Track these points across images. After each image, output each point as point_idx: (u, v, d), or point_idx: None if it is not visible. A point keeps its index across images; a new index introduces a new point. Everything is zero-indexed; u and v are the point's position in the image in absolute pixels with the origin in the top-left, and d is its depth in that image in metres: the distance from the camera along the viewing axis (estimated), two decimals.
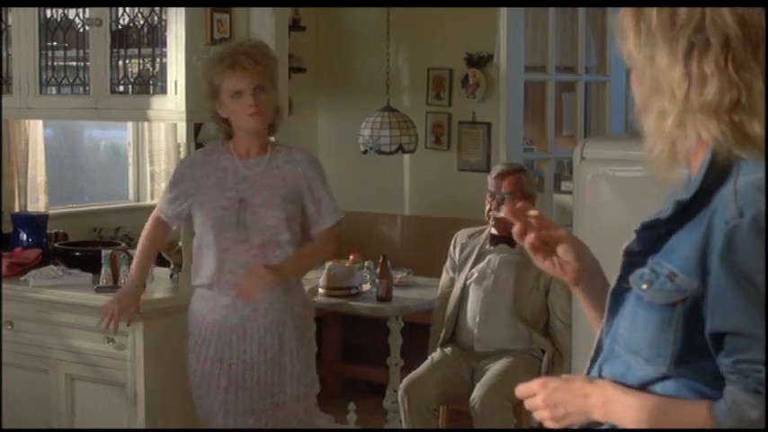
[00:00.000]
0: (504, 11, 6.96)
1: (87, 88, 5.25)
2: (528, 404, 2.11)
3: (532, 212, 2.31)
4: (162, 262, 5.41)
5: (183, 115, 4.96)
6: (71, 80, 5.32)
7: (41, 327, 5.12)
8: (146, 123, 6.97)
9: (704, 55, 1.91)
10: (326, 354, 7.29)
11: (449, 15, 7.44)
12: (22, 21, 5.38)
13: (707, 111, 1.90)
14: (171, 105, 4.99)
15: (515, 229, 2.26)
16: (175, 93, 4.96)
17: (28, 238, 5.64)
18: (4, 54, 5.53)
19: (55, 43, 5.38)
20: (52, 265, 5.30)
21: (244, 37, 5.13)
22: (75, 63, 5.31)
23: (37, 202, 6.43)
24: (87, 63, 5.24)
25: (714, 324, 1.85)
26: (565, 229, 2.32)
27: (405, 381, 5.44)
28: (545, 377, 2.10)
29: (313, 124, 8.25)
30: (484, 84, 7.37)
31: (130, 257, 5.01)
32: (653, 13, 1.95)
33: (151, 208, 6.20)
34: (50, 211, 6.48)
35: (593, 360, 2.11)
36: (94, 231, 6.75)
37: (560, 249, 2.28)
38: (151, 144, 7.11)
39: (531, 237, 2.26)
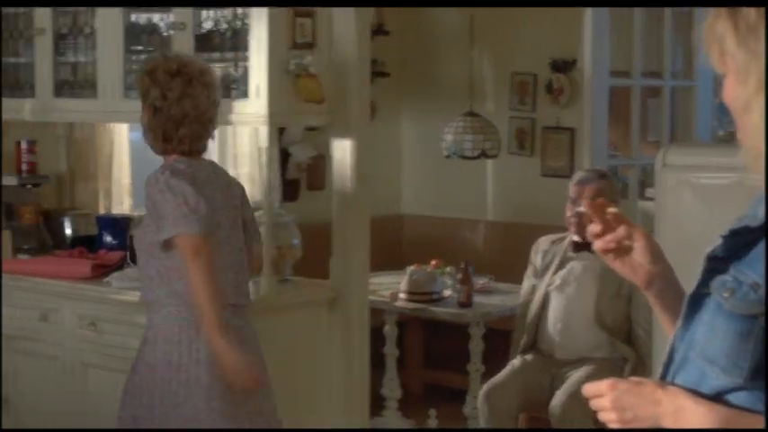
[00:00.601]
0: (588, 15, 6.91)
1: None
2: (594, 404, 2.08)
3: (611, 210, 2.27)
4: None
5: (265, 119, 4.97)
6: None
7: (124, 328, 5.15)
8: (229, 127, 7.01)
9: None
10: (408, 359, 7.29)
11: (533, 19, 7.39)
12: (108, 25, 5.43)
13: None
14: (253, 109, 5.01)
15: (591, 228, 2.23)
16: (257, 96, 4.98)
17: (112, 240, 5.70)
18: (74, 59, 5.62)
19: (139, 47, 5.41)
20: (134, 267, 5.33)
21: (326, 41, 5.14)
22: None
23: (121, 204, 6.49)
24: None
25: None
26: (642, 229, 2.28)
27: (485, 387, 5.41)
28: (615, 378, 2.06)
29: (397, 129, 8.24)
30: (568, 89, 7.31)
31: None
32: (750, 10, 1.89)
33: None
34: (135, 214, 6.56)
35: (667, 365, 2.06)
36: None
37: (635, 250, 2.23)
38: (235, 148, 7.15)
39: (602, 241, 2.22)
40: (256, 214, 4.64)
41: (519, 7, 7.20)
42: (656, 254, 2.24)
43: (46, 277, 5.39)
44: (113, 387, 5.15)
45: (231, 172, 7.15)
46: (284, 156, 7.39)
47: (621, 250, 2.23)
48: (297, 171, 7.51)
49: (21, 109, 5.80)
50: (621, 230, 2.22)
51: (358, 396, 5.29)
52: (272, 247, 5.25)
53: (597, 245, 2.21)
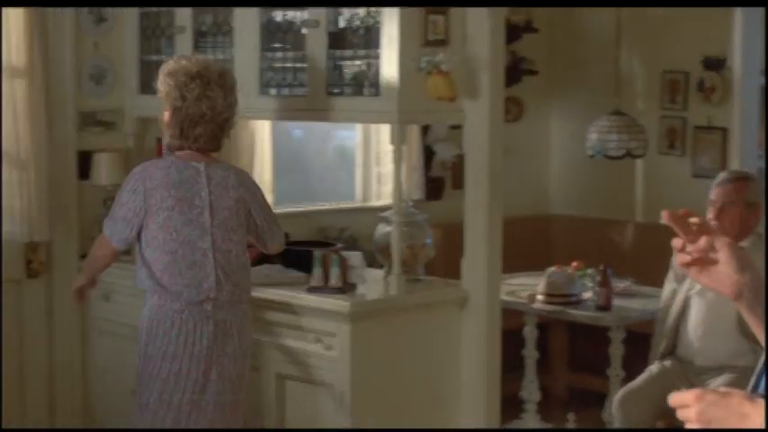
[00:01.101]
0: (738, 14, 6.69)
1: (305, 90, 5.29)
2: (680, 415, 1.97)
3: (693, 219, 2.15)
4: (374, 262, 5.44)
5: (395, 117, 4.93)
6: (290, 81, 5.36)
7: (255, 325, 5.17)
8: (372, 125, 7.00)
9: None
10: (552, 362, 7.17)
11: (684, 17, 7.19)
12: (246, 23, 5.46)
13: None
14: (383, 107, 4.97)
15: (673, 241, 2.12)
16: (388, 94, 4.94)
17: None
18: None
19: (276, 45, 5.43)
20: (267, 265, 5.36)
21: (459, 39, 5.08)
22: (294, 64, 5.35)
23: None
24: (306, 64, 5.27)
25: None
26: (726, 238, 2.15)
27: (620, 392, 5.29)
28: (701, 389, 1.95)
29: (545, 127, 8.12)
30: (720, 88, 7.09)
31: (342, 259, 5.02)
32: None
33: (377, 209, 6.27)
34: (276, 211, 6.59)
35: (759, 376, 1.95)
36: (320, 231, 6.83)
37: (720, 260, 2.12)
38: (378, 145, 7.14)
39: (683, 254, 2.11)
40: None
41: (667, 7, 7.02)
42: (742, 263, 2.11)
43: None
44: (252, 382, 5.21)
45: (374, 170, 7.18)
46: (428, 154, 7.35)
47: (706, 262, 2.12)
48: (441, 169, 7.46)
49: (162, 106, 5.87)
50: (702, 242, 2.10)
51: (488, 398, 5.21)
52: (404, 247, 5.21)
53: (679, 259, 2.10)
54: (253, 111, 5.52)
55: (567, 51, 7.97)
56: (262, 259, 5.48)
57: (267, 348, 5.13)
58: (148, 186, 4.47)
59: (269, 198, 6.50)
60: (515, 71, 7.56)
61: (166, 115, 4.56)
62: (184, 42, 5.76)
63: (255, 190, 4.72)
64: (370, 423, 4.89)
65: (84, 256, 5.91)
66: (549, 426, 6.48)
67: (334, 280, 5.00)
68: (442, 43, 5.02)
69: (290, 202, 6.97)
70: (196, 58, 4.74)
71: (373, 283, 5.20)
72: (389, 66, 4.93)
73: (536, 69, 7.79)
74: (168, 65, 4.59)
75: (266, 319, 5.12)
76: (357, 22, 5.09)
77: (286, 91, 5.40)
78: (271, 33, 5.43)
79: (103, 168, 5.88)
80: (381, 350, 4.95)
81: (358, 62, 5.12)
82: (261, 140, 6.49)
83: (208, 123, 4.51)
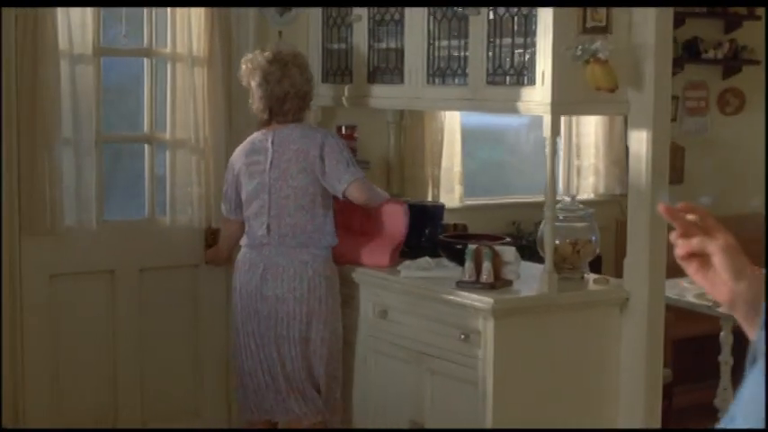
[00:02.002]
0: None
1: (466, 79, 5.15)
2: None
3: (691, 216, 1.93)
4: (533, 256, 5.26)
5: (548, 108, 4.73)
6: (454, 71, 5.23)
7: (410, 318, 5.10)
8: (574, 117, 6.78)
9: None
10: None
11: None
12: (415, 12, 5.37)
13: None
14: (538, 97, 4.78)
15: (672, 236, 1.91)
16: (542, 84, 4.74)
17: (423, 228, 5.64)
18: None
19: (442, 33, 5.31)
20: (427, 257, 5.26)
21: (623, 25, 4.82)
22: (458, 53, 5.22)
23: (452, 192, 6.43)
24: (467, 53, 5.14)
25: None
26: (728, 238, 1.91)
27: None
28: None
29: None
30: None
31: (495, 254, 4.86)
32: None
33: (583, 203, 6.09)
34: (466, 203, 6.49)
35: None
36: (513, 225, 6.66)
37: (715, 264, 1.89)
38: (578, 138, 6.90)
39: (679, 249, 1.89)
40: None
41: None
42: (738, 270, 1.87)
43: (346, 263, 5.41)
44: (397, 377, 5.14)
45: (575, 162, 6.95)
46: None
47: (705, 262, 1.90)
48: None
49: (340, 95, 5.87)
50: (694, 242, 1.88)
51: (648, 403, 4.94)
52: (567, 243, 5.01)
53: (676, 254, 1.89)
54: (418, 100, 5.43)
55: None
56: (422, 251, 5.40)
57: (420, 343, 5.03)
58: (233, 162, 5.25)
59: (457, 192, 6.42)
60: (735, 61, 7.16)
61: (256, 99, 5.17)
62: (361, 31, 5.72)
63: (324, 139, 5.13)
64: (512, 423, 4.72)
65: None
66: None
67: (486, 275, 4.84)
68: (602, 30, 4.78)
69: (482, 194, 6.82)
70: (269, 47, 5.32)
71: (530, 280, 5.00)
72: (544, 54, 4.74)
73: (757, 59, 7.35)
74: (247, 57, 5.25)
75: (419, 312, 5.03)
76: (515, 9, 4.90)
77: (450, 80, 5.27)
78: (437, 22, 5.31)
79: None
80: (528, 349, 4.76)
81: (518, 50, 4.94)
82: (450, 131, 6.38)
83: (293, 99, 5.15)
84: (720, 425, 1.63)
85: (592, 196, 6.99)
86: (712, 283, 1.90)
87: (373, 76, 5.70)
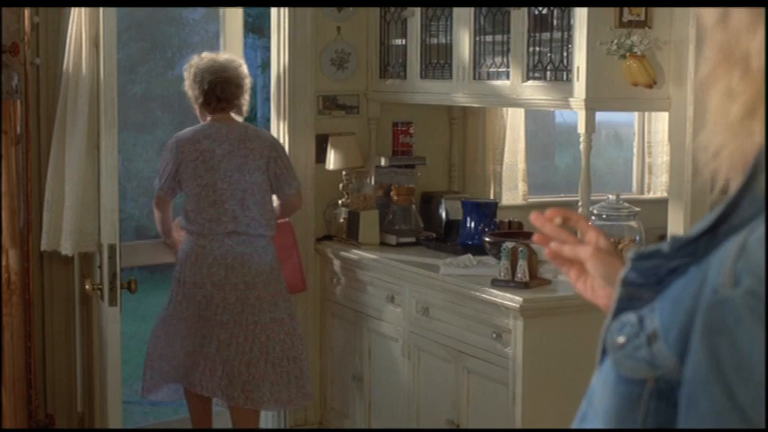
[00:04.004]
0: None
1: (507, 74, 5.09)
2: None
3: (557, 221, 1.88)
4: None
5: (583, 104, 4.64)
6: (498, 67, 5.17)
7: (449, 316, 5.05)
8: (645, 114, 6.63)
9: None
10: None
11: None
12: (462, 8, 5.33)
13: None
14: (575, 93, 4.69)
15: (534, 237, 1.88)
16: (578, 79, 4.65)
17: (477, 225, 5.59)
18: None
19: (488, 28, 5.25)
20: (469, 255, 5.20)
21: (665, 19, 4.70)
22: (501, 48, 5.16)
23: (515, 189, 6.34)
24: (509, 49, 5.08)
25: (686, 427, 1.30)
26: (601, 241, 1.85)
27: None
28: None
29: None
30: None
31: (530, 251, 4.79)
32: None
33: (653, 202, 6.00)
34: (530, 200, 6.39)
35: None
36: None
37: (589, 268, 1.83)
38: (650, 135, 6.75)
39: (546, 253, 1.85)
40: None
41: None
42: (611, 275, 1.81)
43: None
44: (436, 375, 5.11)
45: (646, 159, 6.79)
46: None
47: (584, 269, 1.85)
48: None
49: (397, 90, 5.85)
50: (566, 250, 1.84)
51: None
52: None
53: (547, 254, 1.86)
54: (464, 96, 5.38)
55: None
56: (473, 249, 5.34)
57: (458, 341, 4.98)
58: (179, 144, 5.25)
59: (521, 189, 6.33)
60: None
61: (195, 97, 5.32)
62: (414, 26, 5.69)
63: (275, 142, 5.37)
64: (541, 424, 4.65)
65: (320, 239, 6.00)
66: None
67: (521, 274, 4.77)
68: (641, 24, 4.67)
69: (545, 191, 6.71)
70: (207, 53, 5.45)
71: (562, 284, 4.90)
72: (579, 49, 4.65)
73: None
74: (190, 62, 5.39)
75: (458, 310, 4.98)
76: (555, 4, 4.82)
77: (495, 76, 5.21)
78: (482, 17, 5.25)
79: (339, 152, 5.91)
80: (558, 349, 4.67)
81: (555, 45, 4.86)
82: (513, 128, 6.30)
83: (230, 97, 5.29)
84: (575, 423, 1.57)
85: (665, 195, 6.81)
86: (593, 290, 1.84)
87: (425, 71, 5.66)
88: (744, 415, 1.20)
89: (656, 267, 1.43)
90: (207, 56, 5.35)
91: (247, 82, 5.33)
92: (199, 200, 5.19)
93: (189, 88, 5.33)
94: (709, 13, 1.36)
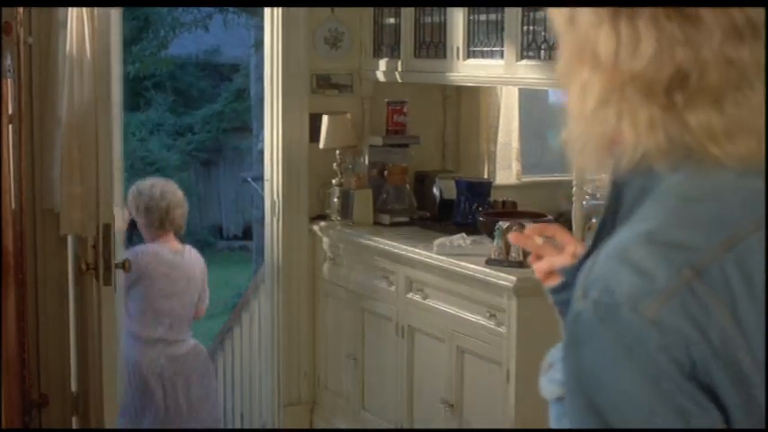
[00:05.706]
0: None
1: (501, 53, 5.08)
2: None
3: (539, 240, 1.93)
4: None
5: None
6: (492, 45, 5.16)
7: (443, 295, 5.06)
8: None
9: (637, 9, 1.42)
10: None
11: None
12: None
13: (639, 84, 1.40)
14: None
15: (530, 258, 1.93)
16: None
17: (470, 204, 5.59)
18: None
19: (482, 8, 5.25)
20: (463, 234, 5.20)
21: None
22: (495, 27, 5.15)
23: (509, 168, 6.33)
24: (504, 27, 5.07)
25: None
26: (578, 250, 1.87)
27: None
28: None
29: None
30: None
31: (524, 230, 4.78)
32: None
33: None
34: (523, 180, 6.38)
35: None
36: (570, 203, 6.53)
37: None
38: None
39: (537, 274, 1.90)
40: None
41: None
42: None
43: None
44: (431, 354, 5.12)
45: None
46: None
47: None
48: None
49: (391, 69, 5.84)
50: (543, 265, 1.91)
51: None
52: (591, 223, 4.91)
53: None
54: (459, 76, 5.38)
55: None
56: (466, 228, 5.34)
57: (451, 320, 4.99)
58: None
59: (515, 168, 6.33)
60: None
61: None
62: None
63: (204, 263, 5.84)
64: (534, 404, 4.63)
65: (314, 218, 6.00)
66: None
67: (515, 253, 4.78)
68: None
69: (539, 171, 6.69)
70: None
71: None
72: None
73: None
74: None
75: (452, 289, 4.98)
76: None
77: (488, 55, 5.20)
78: None
79: (333, 131, 5.90)
80: (552, 328, 4.66)
81: (550, 24, 4.84)
82: (507, 108, 6.28)
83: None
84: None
85: None
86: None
87: (419, 50, 5.66)
88: (606, 422, 1.31)
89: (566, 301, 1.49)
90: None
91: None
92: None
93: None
94: (559, 16, 1.48)
